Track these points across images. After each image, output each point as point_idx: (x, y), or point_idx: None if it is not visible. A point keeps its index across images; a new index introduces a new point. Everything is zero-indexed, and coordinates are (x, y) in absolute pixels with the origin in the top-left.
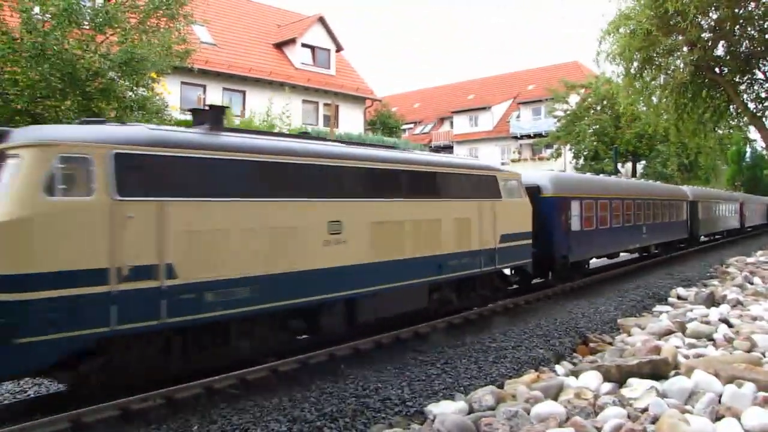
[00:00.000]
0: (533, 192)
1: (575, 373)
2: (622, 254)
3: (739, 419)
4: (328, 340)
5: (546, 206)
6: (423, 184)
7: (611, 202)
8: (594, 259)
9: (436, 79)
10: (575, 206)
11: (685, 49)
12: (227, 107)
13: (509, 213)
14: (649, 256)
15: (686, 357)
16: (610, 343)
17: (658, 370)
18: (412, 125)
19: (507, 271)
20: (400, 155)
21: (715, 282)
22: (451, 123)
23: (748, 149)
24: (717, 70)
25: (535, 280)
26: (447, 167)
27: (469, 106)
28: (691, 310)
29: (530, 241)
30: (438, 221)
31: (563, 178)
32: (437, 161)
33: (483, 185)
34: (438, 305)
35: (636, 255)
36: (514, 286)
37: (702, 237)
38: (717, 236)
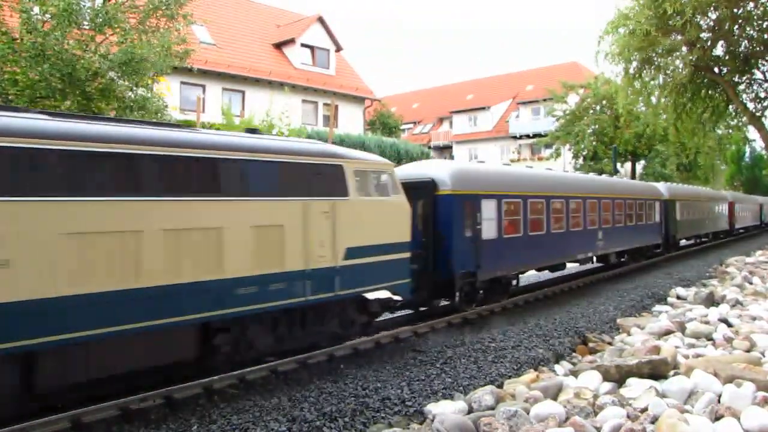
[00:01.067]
0: (427, 188)
1: (575, 373)
2: (571, 265)
3: (738, 419)
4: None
5: (443, 207)
6: (187, 175)
7: (549, 201)
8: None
9: (435, 80)
10: (489, 207)
11: (684, 49)
12: None
13: (365, 217)
14: (611, 266)
15: (686, 357)
16: (610, 343)
17: (657, 370)
18: (411, 125)
19: (382, 295)
20: (140, 132)
21: (715, 282)
22: (451, 123)
23: (747, 149)
24: (716, 70)
25: (443, 303)
26: (240, 151)
27: (468, 107)
28: (691, 310)
29: (406, 255)
30: (217, 230)
31: (471, 171)
32: (220, 142)
33: (315, 178)
34: (232, 352)
35: (599, 264)
36: (403, 312)
37: (683, 241)
38: (704, 239)
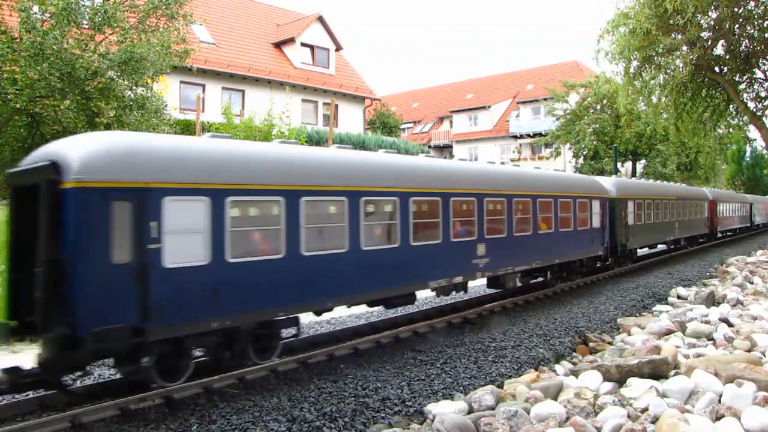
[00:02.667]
0: (47, 179)
1: (575, 373)
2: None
3: (739, 419)
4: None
5: (68, 211)
6: None
7: (358, 202)
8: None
9: (435, 79)
10: (187, 210)
11: (684, 48)
12: None
13: None
14: (510, 292)
15: (686, 357)
16: (610, 343)
17: (658, 370)
18: (411, 125)
19: None
20: None
21: (715, 281)
22: (451, 122)
23: (748, 149)
24: (716, 69)
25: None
26: None
27: (468, 106)
28: (691, 310)
29: None
30: None
31: (141, 146)
32: None
33: None
34: None
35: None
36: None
37: (642, 249)
38: (677, 246)
